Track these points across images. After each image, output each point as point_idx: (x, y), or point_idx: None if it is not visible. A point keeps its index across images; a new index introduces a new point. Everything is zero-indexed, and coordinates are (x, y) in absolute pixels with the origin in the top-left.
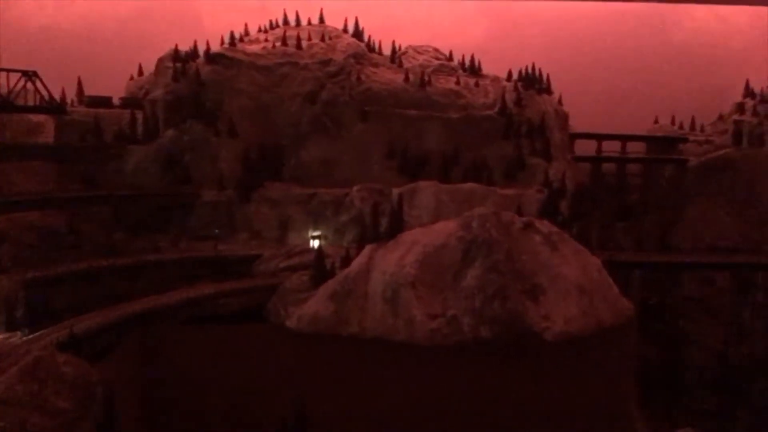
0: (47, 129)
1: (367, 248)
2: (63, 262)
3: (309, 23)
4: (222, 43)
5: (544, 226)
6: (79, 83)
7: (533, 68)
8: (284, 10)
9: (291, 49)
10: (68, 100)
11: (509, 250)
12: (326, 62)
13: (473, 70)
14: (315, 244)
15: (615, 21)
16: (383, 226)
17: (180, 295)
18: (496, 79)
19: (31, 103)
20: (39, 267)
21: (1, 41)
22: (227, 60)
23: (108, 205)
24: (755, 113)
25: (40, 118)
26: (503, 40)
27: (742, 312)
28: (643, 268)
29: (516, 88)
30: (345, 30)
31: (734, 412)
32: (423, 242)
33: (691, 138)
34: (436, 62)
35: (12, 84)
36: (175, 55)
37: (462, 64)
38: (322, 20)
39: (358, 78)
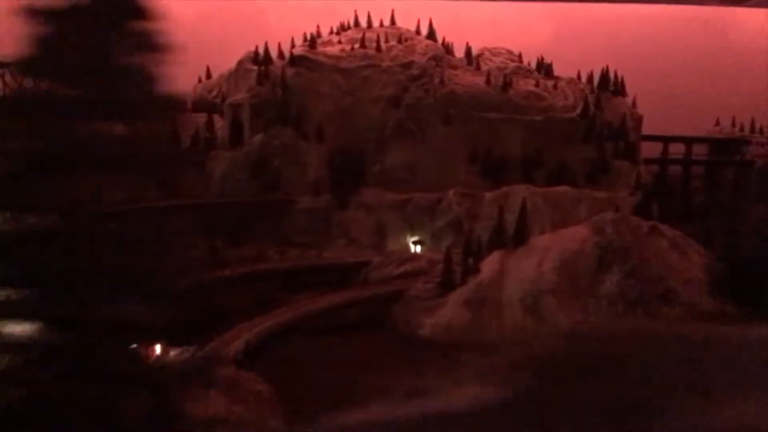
0: None
1: (496, 254)
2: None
3: (381, 25)
4: (292, 44)
5: (668, 229)
6: None
7: (607, 70)
8: (355, 11)
9: (371, 51)
10: None
11: (642, 254)
12: (407, 65)
13: (547, 72)
14: (417, 249)
15: (675, 23)
16: (509, 232)
17: (313, 305)
18: (572, 81)
19: None
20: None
21: None
22: (310, 62)
23: (201, 213)
24: None
25: None
26: (567, 42)
27: None
28: None
29: (592, 90)
30: (417, 31)
31: None
32: (558, 248)
33: (753, 140)
34: (512, 64)
35: None
36: (255, 57)
37: (538, 66)
38: (393, 21)
39: (441, 81)
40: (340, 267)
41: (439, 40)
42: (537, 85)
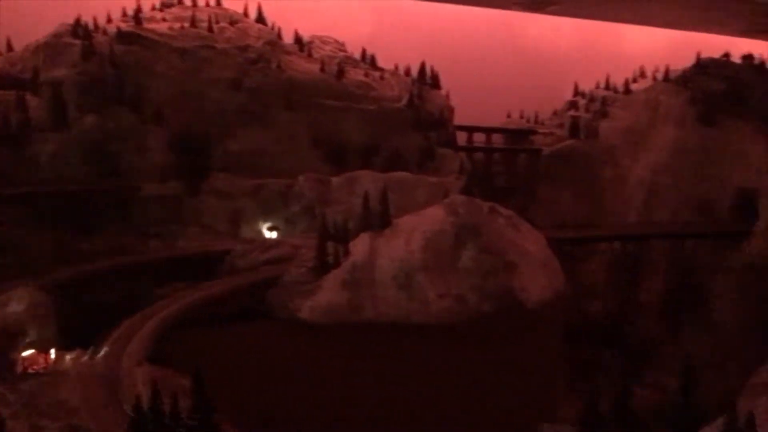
0: None
1: (365, 236)
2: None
3: (207, 4)
4: (109, 19)
5: (503, 209)
6: None
7: (423, 64)
8: None
9: (204, 32)
10: None
11: (488, 232)
12: (244, 48)
13: (372, 63)
14: (273, 235)
15: (471, 24)
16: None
17: (192, 297)
18: (395, 74)
19: None
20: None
21: None
22: (141, 39)
23: (36, 202)
24: (588, 110)
25: None
26: (383, 35)
27: (592, 275)
28: None
29: (413, 83)
30: (246, 14)
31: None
32: (421, 229)
33: (539, 130)
34: (341, 54)
35: None
36: (75, 30)
37: (362, 57)
38: (219, 2)
39: (278, 66)
40: (202, 256)
41: (270, 26)
42: (366, 75)
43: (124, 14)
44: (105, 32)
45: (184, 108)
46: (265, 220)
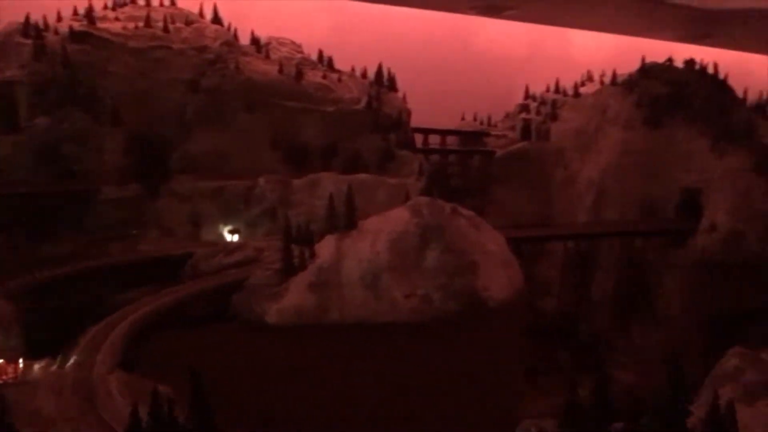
0: None
1: (330, 238)
2: None
3: (161, 4)
4: (59, 17)
5: (464, 210)
6: None
7: (380, 67)
8: None
9: (159, 32)
10: None
11: (450, 232)
12: (201, 49)
13: (329, 65)
14: (234, 238)
15: (425, 27)
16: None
17: (158, 301)
18: (352, 76)
19: None
20: None
21: None
22: (94, 39)
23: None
24: (539, 113)
25: None
26: (333, 38)
27: (546, 273)
28: None
29: (371, 85)
30: (201, 15)
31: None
32: (387, 230)
33: (492, 133)
34: (299, 55)
35: None
36: (26, 29)
37: (319, 58)
38: (173, 2)
39: (236, 67)
40: (165, 260)
41: (226, 26)
42: (324, 77)
43: (75, 13)
44: (56, 32)
45: (141, 109)
46: (226, 223)
